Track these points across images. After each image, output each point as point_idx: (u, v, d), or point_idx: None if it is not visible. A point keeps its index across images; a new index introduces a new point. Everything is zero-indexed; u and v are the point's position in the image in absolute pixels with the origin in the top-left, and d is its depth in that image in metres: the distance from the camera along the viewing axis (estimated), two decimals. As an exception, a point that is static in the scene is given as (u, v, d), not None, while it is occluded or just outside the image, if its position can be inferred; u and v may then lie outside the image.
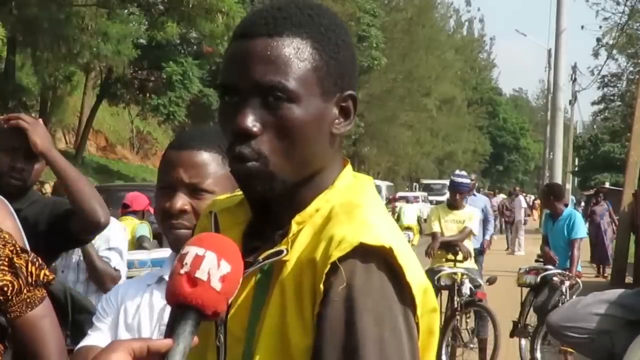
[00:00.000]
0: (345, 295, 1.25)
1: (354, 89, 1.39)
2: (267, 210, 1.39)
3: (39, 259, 2.18)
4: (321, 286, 1.25)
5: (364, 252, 1.26)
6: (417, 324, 1.31)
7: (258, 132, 1.31)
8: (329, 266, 1.25)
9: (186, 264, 1.24)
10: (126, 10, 28.83)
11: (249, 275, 1.32)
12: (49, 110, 28.62)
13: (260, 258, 1.32)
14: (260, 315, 1.31)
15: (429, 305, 1.32)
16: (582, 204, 32.45)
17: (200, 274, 1.23)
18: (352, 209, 1.33)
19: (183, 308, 1.23)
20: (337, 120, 1.37)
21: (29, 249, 2.32)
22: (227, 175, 1.93)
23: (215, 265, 1.24)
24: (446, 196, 10.01)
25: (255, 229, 1.41)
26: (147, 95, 31.56)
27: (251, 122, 1.30)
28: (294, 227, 1.33)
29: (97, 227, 3.05)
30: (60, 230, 3.08)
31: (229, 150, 1.34)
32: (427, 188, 42.86)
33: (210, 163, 1.98)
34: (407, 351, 1.26)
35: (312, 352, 1.26)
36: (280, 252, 1.31)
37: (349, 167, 1.43)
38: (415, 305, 1.29)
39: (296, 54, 1.31)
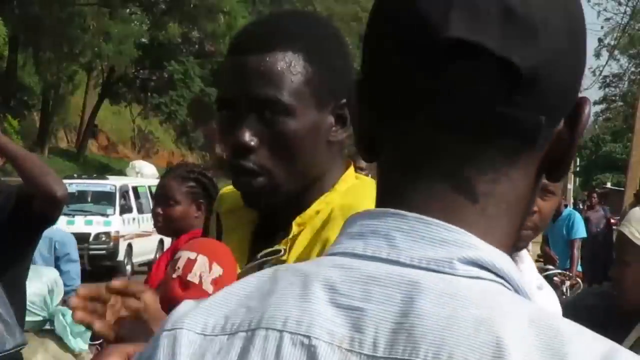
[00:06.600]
0: None
1: None
2: (271, 213, 1.41)
3: None
4: None
5: None
6: None
7: (255, 146, 1.33)
8: None
9: (178, 268, 1.26)
10: (128, 10, 28.87)
11: (248, 272, 1.34)
12: (50, 109, 28.63)
13: (259, 255, 1.35)
14: None
15: None
16: (580, 205, 31.49)
17: (192, 277, 1.25)
18: (350, 213, 1.34)
19: None
20: (333, 129, 1.38)
21: None
22: None
23: (206, 269, 1.26)
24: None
25: (261, 229, 1.43)
26: (149, 94, 31.61)
27: (248, 137, 1.33)
28: (295, 229, 1.36)
29: (55, 201, 3.05)
30: (25, 213, 3.10)
31: (229, 163, 1.37)
32: None
33: None
34: None
35: None
36: (278, 251, 1.33)
37: (351, 169, 1.45)
38: None
39: (289, 68, 1.33)
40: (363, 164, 9.84)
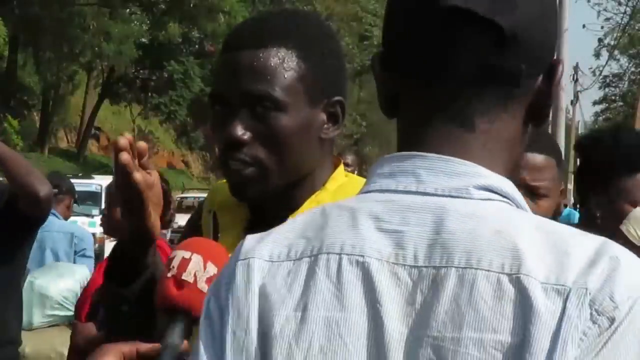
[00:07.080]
0: None
1: (343, 94, 1.42)
2: (263, 210, 1.42)
3: None
4: None
5: None
6: None
7: (248, 140, 1.35)
8: None
9: (173, 267, 1.26)
10: (128, 10, 28.88)
11: None
12: (50, 109, 28.63)
13: None
14: None
15: None
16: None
17: (187, 276, 1.25)
18: None
19: (172, 312, 1.25)
20: (325, 126, 1.40)
21: None
22: None
23: (201, 268, 1.25)
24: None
25: (254, 227, 1.43)
26: (149, 94, 31.61)
27: (240, 131, 1.34)
28: None
29: (38, 201, 3.08)
30: (15, 213, 3.14)
31: (220, 157, 1.38)
32: None
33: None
34: None
35: None
36: None
37: (341, 167, 1.46)
38: None
39: (282, 64, 1.35)
40: (349, 160, 9.87)
